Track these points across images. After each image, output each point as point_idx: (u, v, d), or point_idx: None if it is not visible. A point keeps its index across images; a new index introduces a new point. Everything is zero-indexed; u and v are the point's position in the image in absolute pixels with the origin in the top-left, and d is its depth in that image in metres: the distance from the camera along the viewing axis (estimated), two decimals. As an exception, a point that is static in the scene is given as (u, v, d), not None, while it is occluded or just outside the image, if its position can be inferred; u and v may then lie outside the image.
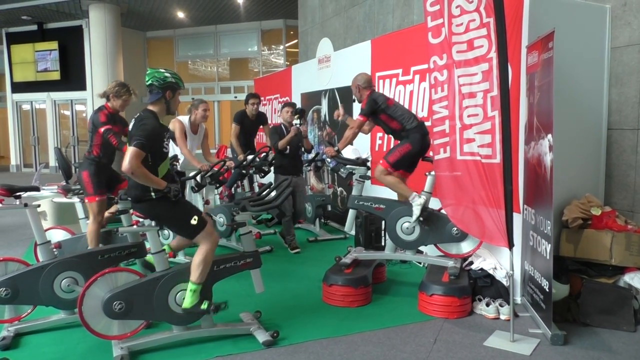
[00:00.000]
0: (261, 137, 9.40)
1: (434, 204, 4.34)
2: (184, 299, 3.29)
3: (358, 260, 4.51)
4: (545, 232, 3.35)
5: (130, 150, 3.00)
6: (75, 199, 4.46)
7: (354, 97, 4.54)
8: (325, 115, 7.48)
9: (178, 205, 3.24)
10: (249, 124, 6.68)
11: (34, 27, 15.94)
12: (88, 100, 15.58)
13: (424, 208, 4.21)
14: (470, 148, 3.53)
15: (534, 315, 3.71)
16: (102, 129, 4.36)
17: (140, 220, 3.80)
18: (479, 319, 3.87)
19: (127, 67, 14.60)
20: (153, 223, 3.17)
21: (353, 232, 5.68)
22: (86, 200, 4.43)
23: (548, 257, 3.32)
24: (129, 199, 3.23)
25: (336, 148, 4.36)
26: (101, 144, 4.46)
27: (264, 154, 5.97)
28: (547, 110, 3.27)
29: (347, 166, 4.43)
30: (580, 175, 4.26)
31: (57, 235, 4.55)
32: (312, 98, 7.95)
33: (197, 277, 3.24)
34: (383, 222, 5.44)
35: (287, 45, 16.34)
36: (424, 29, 5.23)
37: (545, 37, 3.29)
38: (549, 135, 3.24)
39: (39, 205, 3.62)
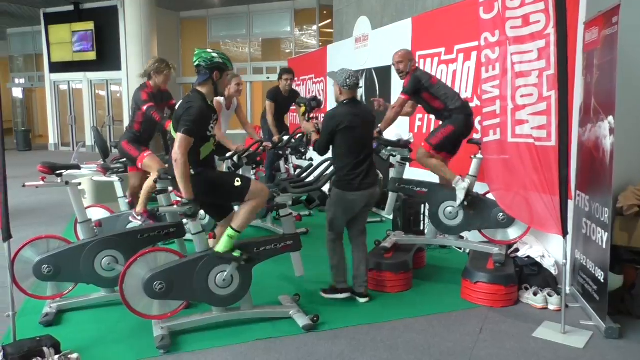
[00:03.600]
0: (294, 118, 9.32)
1: (479, 188, 4.18)
2: (223, 280, 3.24)
3: (398, 244, 4.40)
4: (602, 219, 3.17)
5: (179, 138, 2.97)
6: (115, 178, 4.46)
7: (397, 71, 4.34)
8: (362, 96, 7.31)
9: (215, 175, 3.28)
10: (281, 100, 6.58)
11: (71, 8, 16.10)
12: (123, 81, 15.72)
13: (468, 192, 4.05)
14: (522, 130, 3.35)
15: (585, 307, 3.54)
16: (144, 107, 4.36)
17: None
18: (526, 308, 3.73)
19: (161, 48, 14.64)
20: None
21: (391, 216, 5.55)
22: (138, 164, 4.46)
23: (604, 247, 3.15)
24: (169, 177, 3.18)
25: (378, 129, 4.21)
26: (142, 121, 4.50)
27: (299, 134, 5.86)
28: (608, 90, 3.06)
29: (388, 148, 4.28)
30: (637, 160, 4.01)
31: (97, 214, 4.57)
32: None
33: (238, 224, 3.23)
34: (423, 206, 5.32)
35: (320, 25, 16.09)
36: (470, 5, 5.04)
37: (609, 12, 3.07)
38: (610, 117, 3.04)
39: (79, 184, 3.61)
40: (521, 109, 3.33)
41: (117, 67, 15.81)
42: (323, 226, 3.87)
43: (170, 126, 3.27)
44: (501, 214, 4.04)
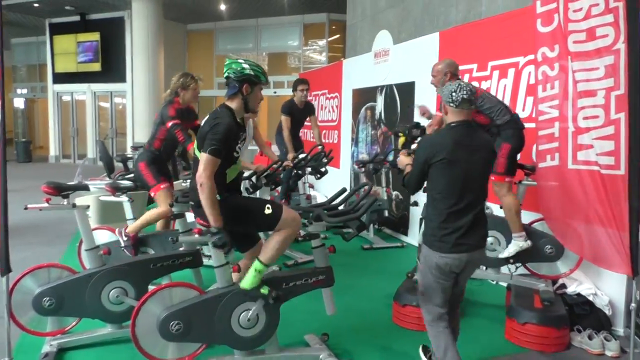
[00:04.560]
0: (305, 135, 8.98)
1: (525, 217, 3.82)
2: (248, 320, 2.87)
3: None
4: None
5: (204, 158, 2.64)
6: (124, 198, 4.10)
7: (434, 86, 3.99)
8: (380, 113, 6.99)
9: (244, 202, 2.96)
10: (297, 113, 6.25)
11: (77, 18, 15.88)
12: (127, 93, 15.45)
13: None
14: (586, 156, 3.01)
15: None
16: (169, 123, 4.04)
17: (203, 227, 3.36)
18: (580, 353, 3.35)
19: (167, 60, 14.39)
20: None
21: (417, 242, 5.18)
22: (152, 193, 4.14)
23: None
24: (192, 203, 2.82)
25: (411, 151, 3.85)
26: (164, 138, 4.20)
27: (319, 152, 5.52)
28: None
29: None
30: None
31: (103, 237, 4.20)
32: (365, 94, 7.47)
33: (268, 257, 2.88)
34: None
35: (329, 39, 15.87)
36: (505, 19, 4.75)
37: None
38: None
39: (88, 206, 3.25)
40: (584, 132, 2.99)
41: (121, 79, 15.54)
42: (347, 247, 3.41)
43: (193, 147, 2.94)
44: (549, 246, 3.68)
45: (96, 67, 15.66)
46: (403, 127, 3.56)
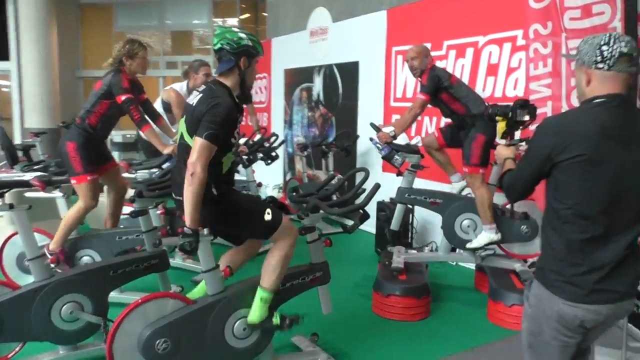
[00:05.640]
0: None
1: (499, 198, 3.79)
2: (243, 329, 2.51)
3: (407, 263, 3.88)
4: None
5: (199, 144, 2.22)
6: (58, 193, 3.47)
7: (411, 68, 3.81)
8: (318, 94, 6.72)
9: (242, 200, 2.55)
10: None
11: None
12: (12, 72, 13.69)
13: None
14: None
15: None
16: (122, 97, 3.41)
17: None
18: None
19: (60, 37, 12.92)
20: (205, 231, 2.35)
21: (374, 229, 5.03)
22: (73, 181, 3.45)
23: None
24: (180, 198, 2.37)
25: (392, 133, 3.65)
26: (103, 114, 3.53)
27: (274, 137, 5.16)
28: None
29: (400, 154, 3.74)
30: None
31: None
32: (299, 74, 7.15)
33: (271, 282, 2.49)
34: (410, 216, 4.86)
35: (241, 17, 15.22)
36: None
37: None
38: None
39: (29, 207, 2.66)
40: (578, 112, 2.95)
41: (4, 56, 13.72)
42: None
43: (149, 129, 2.44)
44: (525, 227, 3.68)
45: (-28, 42, 13.68)
46: (502, 107, 2.65)
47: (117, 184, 3.75)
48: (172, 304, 2.45)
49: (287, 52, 7.48)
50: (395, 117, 5.46)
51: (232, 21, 15.37)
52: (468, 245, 3.78)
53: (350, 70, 6.04)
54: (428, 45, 4.97)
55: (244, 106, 6.13)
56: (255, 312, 2.48)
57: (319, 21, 6.69)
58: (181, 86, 4.49)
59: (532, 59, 3.14)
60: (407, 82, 5.26)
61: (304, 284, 2.73)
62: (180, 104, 4.36)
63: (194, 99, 2.39)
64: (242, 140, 5.35)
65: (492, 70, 4.33)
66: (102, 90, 3.52)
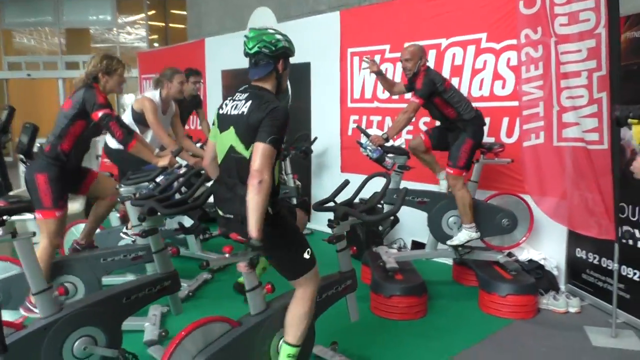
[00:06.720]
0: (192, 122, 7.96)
1: (480, 194, 3.98)
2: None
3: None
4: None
5: (261, 150, 2.09)
6: (29, 215, 3.06)
7: (404, 69, 3.82)
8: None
9: (293, 229, 2.42)
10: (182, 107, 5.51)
11: None
12: None
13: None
14: (571, 133, 3.21)
15: (599, 304, 3.60)
16: (99, 113, 3.04)
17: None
18: (549, 315, 3.63)
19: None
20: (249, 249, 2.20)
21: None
22: (38, 215, 3.06)
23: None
24: (230, 216, 2.20)
25: (385, 136, 3.67)
26: (78, 136, 3.15)
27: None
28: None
29: (390, 155, 3.78)
30: None
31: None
32: (240, 76, 6.93)
33: (297, 336, 2.37)
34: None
35: (148, 14, 14.48)
36: (423, 1, 4.79)
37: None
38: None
39: (33, 234, 2.33)
40: (569, 111, 3.18)
41: None
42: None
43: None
44: (505, 219, 3.91)
45: None
46: (636, 109, 2.24)
47: (107, 191, 3.43)
48: (216, 327, 2.28)
49: (224, 52, 7.22)
50: (353, 117, 5.52)
51: (134, 17, 14.58)
52: (449, 242, 3.92)
53: (301, 72, 5.98)
54: (387, 46, 5.13)
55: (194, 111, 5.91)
56: None
57: (262, 21, 6.56)
58: (153, 94, 4.16)
59: (524, 62, 3.33)
60: (365, 83, 5.33)
61: (337, 294, 2.68)
62: (156, 113, 4.05)
63: (240, 107, 2.23)
64: (197, 145, 5.10)
65: (457, 71, 4.51)
66: (74, 110, 3.11)
